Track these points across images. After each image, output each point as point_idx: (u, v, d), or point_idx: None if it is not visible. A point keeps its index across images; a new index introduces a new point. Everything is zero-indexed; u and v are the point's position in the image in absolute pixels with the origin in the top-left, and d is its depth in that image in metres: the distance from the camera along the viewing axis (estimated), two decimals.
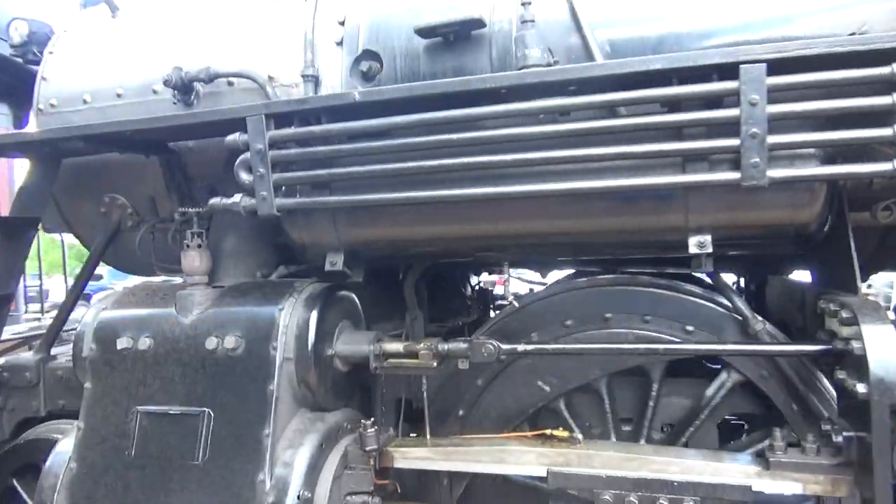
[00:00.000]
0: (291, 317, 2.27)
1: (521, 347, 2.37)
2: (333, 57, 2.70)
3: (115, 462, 2.29)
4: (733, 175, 1.80)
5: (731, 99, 1.80)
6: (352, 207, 2.19)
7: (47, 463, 2.40)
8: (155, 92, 2.95)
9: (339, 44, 2.70)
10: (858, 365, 1.81)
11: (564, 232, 2.13)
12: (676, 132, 1.90)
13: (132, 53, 3.09)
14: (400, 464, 2.24)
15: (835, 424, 1.98)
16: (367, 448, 2.21)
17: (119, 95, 3.01)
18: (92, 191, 3.19)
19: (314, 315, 2.29)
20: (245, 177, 2.19)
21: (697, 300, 2.27)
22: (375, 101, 2.11)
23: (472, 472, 2.24)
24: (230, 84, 2.83)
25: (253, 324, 2.28)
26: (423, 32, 2.46)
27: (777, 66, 1.75)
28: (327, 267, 2.33)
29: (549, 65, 2.23)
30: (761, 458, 1.99)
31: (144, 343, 2.36)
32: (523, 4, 2.30)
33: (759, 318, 2.18)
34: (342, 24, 2.65)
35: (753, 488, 1.94)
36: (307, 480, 2.13)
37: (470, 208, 2.15)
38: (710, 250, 1.91)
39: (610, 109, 1.96)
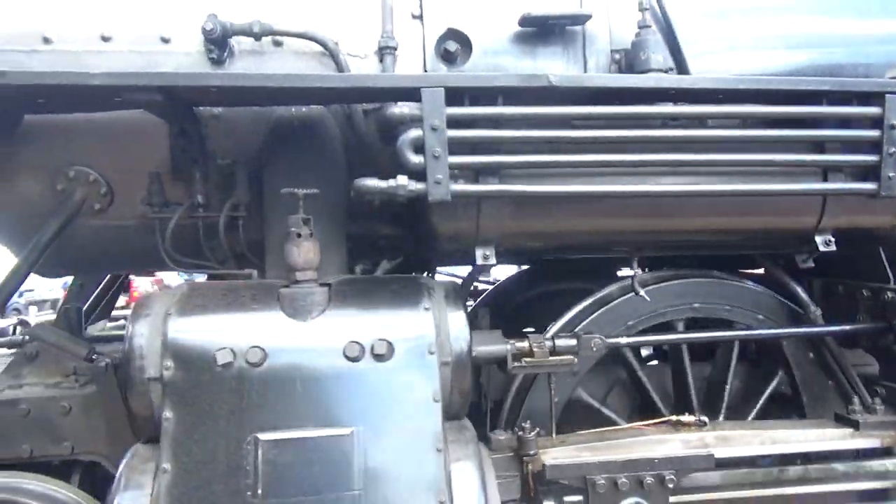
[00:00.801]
0: (440, 317, 2.05)
1: (623, 340, 2.50)
2: (411, 31, 2.50)
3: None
4: (872, 186, 2.18)
5: (867, 121, 2.19)
6: (520, 199, 2.07)
7: None
8: (165, 41, 2.37)
9: (419, 17, 2.51)
10: None
11: (712, 229, 2.32)
12: (817, 146, 2.23)
13: None
14: (551, 465, 2.18)
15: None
16: (530, 452, 2.11)
17: (106, 39, 2.35)
18: (43, 161, 2.42)
19: (463, 314, 2.09)
20: (413, 157, 1.92)
21: (767, 292, 2.65)
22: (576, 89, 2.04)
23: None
24: (277, 44, 2.43)
25: (402, 326, 2.00)
26: (527, 21, 2.43)
27: None
28: (479, 260, 2.14)
29: (667, 70, 2.41)
30: (847, 421, 2.43)
31: (254, 355, 1.90)
32: (642, 10, 2.44)
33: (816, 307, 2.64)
34: None
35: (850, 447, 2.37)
36: (483, 499, 1.96)
37: (629, 204, 2.21)
38: (834, 248, 2.28)
39: (764, 120, 2.21)
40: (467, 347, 2.06)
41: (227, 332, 1.95)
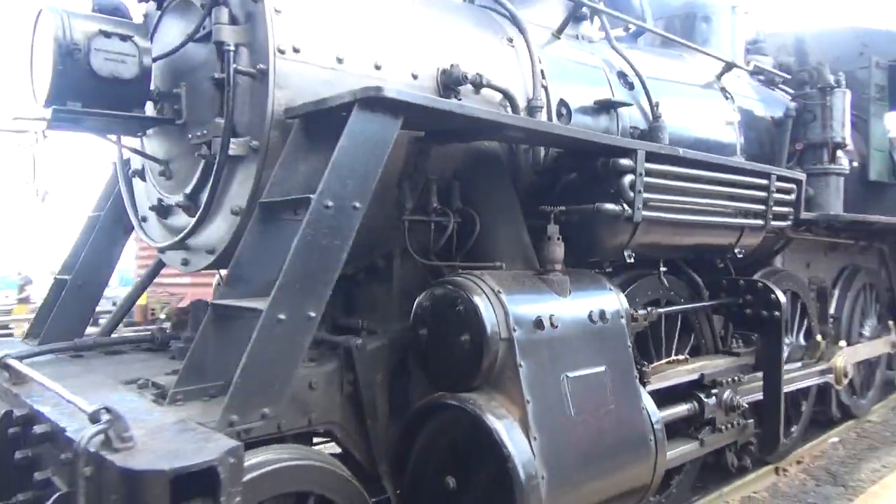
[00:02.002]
0: (619, 297, 3.26)
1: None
2: (542, 96, 3.62)
3: (561, 417, 2.73)
4: (762, 222, 4.16)
5: (762, 189, 4.16)
6: (651, 221, 3.42)
7: (504, 443, 2.51)
8: (414, 77, 3.04)
9: (545, 87, 3.65)
10: None
11: (695, 243, 4.00)
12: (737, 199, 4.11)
13: (383, 23, 2.98)
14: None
15: None
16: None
17: (378, 68, 2.91)
18: None
19: (623, 295, 3.33)
20: (628, 192, 3.12)
21: (680, 282, 4.47)
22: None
23: None
24: (476, 92, 3.30)
25: (605, 302, 3.15)
26: (597, 103, 3.84)
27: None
28: (628, 260, 3.40)
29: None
30: (731, 353, 4.41)
31: (556, 322, 2.83)
32: (653, 106, 4.05)
33: None
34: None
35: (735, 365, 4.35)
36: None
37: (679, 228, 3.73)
38: (742, 256, 4.22)
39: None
40: (628, 314, 3.33)
41: (533, 306, 2.84)
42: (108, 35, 2.71)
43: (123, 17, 3.06)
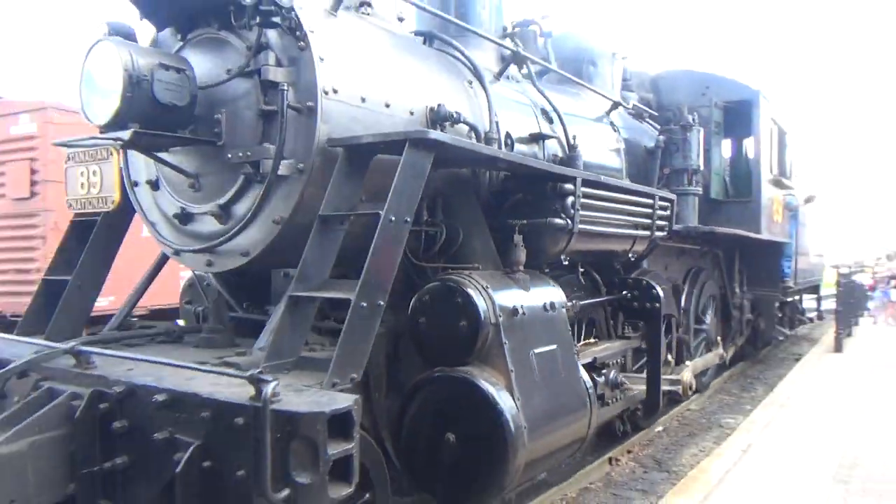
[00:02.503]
0: (560, 292, 4.17)
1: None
2: None
3: (533, 383, 3.58)
4: (648, 233, 5.30)
5: (649, 206, 5.31)
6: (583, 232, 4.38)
7: (498, 403, 3.30)
8: (411, 113, 3.78)
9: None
10: None
11: (606, 249, 5.02)
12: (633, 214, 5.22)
13: (386, 68, 3.67)
14: None
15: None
16: None
17: (387, 106, 3.62)
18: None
19: (559, 288, 4.25)
20: (570, 210, 4.04)
21: (583, 282, 5.52)
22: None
23: None
24: (452, 126, 4.07)
25: (553, 296, 4.05)
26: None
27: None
28: (564, 262, 4.32)
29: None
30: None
31: (524, 310, 3.68)
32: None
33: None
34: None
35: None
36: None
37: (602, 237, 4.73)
38: (633, 260, 5.32)
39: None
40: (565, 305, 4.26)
41: (510, 298, 3.67)
42: (166, 68, 3.18)
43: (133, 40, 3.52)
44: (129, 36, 3.56)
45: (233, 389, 2.54)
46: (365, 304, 2.77)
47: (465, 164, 3.93)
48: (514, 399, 3.44)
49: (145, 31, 3.86)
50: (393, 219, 2.90)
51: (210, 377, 2.74)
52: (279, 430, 2.27)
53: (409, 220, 3.00)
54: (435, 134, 3.06)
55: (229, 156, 3.37)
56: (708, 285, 8.37)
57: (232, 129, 3.38)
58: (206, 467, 2.48)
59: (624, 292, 5.63)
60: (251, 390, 2.39)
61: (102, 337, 3.69)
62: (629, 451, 6.24)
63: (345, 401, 2.38)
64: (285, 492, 2.26)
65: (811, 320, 15.11)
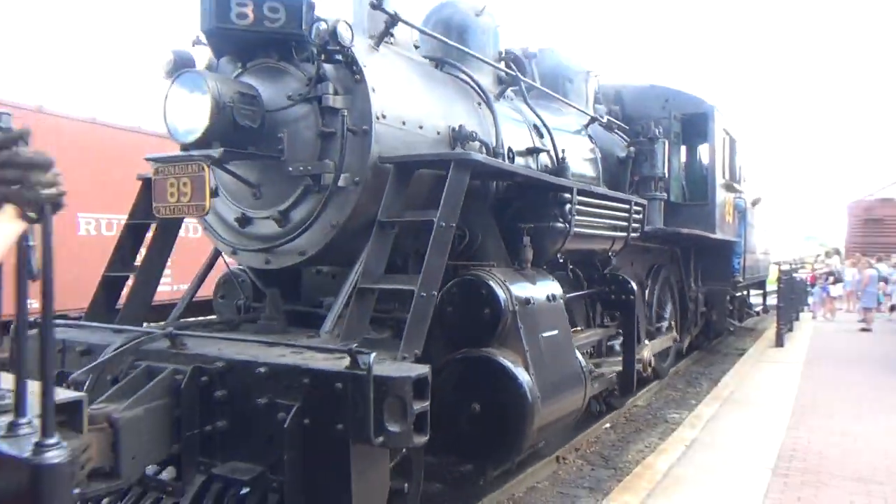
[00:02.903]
0: (558, 285, 4.92)
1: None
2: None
3: (542, 362, 4.31)
4: (624, 234, 6.10)
5: (625, 211, 6.12)
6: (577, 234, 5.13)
7: (518, 377, 4.01)
8: (438, 133, 4.48)
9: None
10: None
11: (588, 248, 5.79)
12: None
13: (416, 94, 4.35)
14: None
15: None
16: None
17: (421, 128, 4.30)
18: None
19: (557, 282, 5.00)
20: (567, 215, 4.79)
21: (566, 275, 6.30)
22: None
23: None
24: (468, 143, 4.79)
25: (554, 289, 4.80)
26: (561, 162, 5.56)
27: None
28: (560, 260, 5.05)
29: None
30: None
31: (532, 299, 4.41)
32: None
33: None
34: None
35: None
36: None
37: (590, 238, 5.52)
38: (613, 259, 6.12)
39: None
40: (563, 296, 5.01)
41: (523, 290, 4.39)
42: (243, 95, 3.79)
43: (191, 65, 4.11)
44: (189, 62, 4.17)
45: (324, 362, 3.20)
46: (424, 294, 3.46)
47: (490, 177, 4.66)
48: (529, 374, 4.18)
49: (201, 56, 4.46)
50: (443, 224, 3.60)
51: (299, 353, 3.38)
52: (377, 391, 2.94)
53: (453, 225, 3.70)
54: (476, 156, 3.79)
55: (290, 169, 3.99)
56: (668, 280, 9.31)
57: (293, 147, 4.00)
58: (306, 424, 3.13)
59: (603, 287, 6.46)
60: (345, 362, 3.05)
61: (178, 325, 4.26)
62: (577, 449, 6.46)
63: (421, 369, 3.06)
64: (380, 438, 2.94)
65: (758, 313, 16.40)
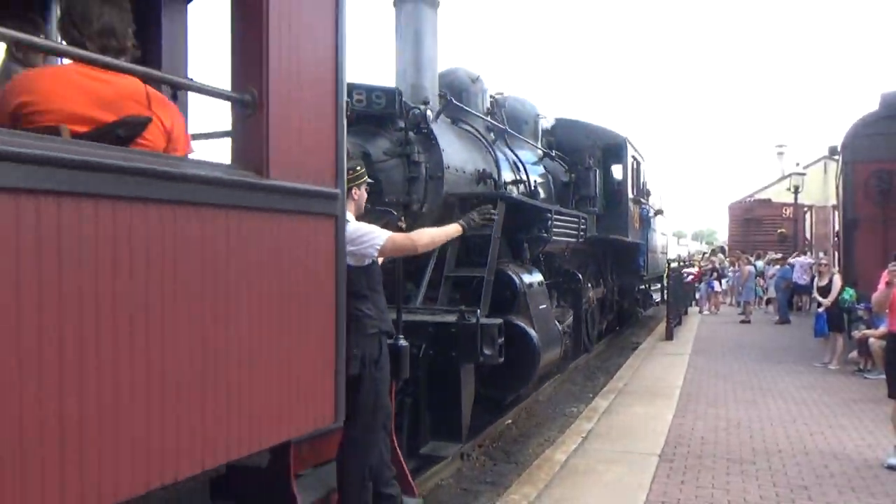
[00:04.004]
0: (540, 275, 7.48)
1: None
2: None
3: (540, 326, 6.84)
4: (576, 238, 8.77)
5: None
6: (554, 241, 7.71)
7: (531, 334, 6.51)
8: (470, 175, 6.96)
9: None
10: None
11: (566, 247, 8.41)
12: None
13: (458, 147, 6.80)
14: None
15: None
16: None
17: (464, 172, 6.77)
18: None
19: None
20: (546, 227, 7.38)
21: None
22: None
23: None
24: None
25: (539, 277, 7.36)
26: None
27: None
28: (540, 258, 7.61)
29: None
30: None
31: (534, 285, 6.94)
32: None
33: None
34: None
35: None
36: None
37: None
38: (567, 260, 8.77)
39: None
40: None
41: (527, 278, 6.93)
42: (364, 153, 6.10)
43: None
44: None
45: (439, 318, 5.59)
46: (490, 279, 5.92)
47: (513, 206, 7.20)
48: (536, 331, 6.72)
49: None
50: (497, 236, 6.09)
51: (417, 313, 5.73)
52: (481, 332, 5.37)
53: (498, 236, 6.17)
54: (512, 196, 6.32)
55: (387, 199, 6.33)
56: (593, 274, 12.19)
57: (388, 185, 6.34)
58: (430, 354, 5.50)
59: (558, 278, 9.14)
60: (453, 317, 5.46)
61: None
62: (480, 446, 6.76)
63: (497, 320, 5.54)
64: (481, 358, 5.36)
65: (657, 303, 19.80)
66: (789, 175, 26.92)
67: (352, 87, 6.09)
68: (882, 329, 7.99)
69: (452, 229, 4.30)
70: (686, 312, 19.15)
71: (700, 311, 21.38)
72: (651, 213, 15.16)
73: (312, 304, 2.74)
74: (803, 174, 25.14)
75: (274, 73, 2.52)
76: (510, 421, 7.67)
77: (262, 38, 2.49)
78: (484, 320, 5.45)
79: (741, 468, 5.67)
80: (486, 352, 5.36)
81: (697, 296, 22.76)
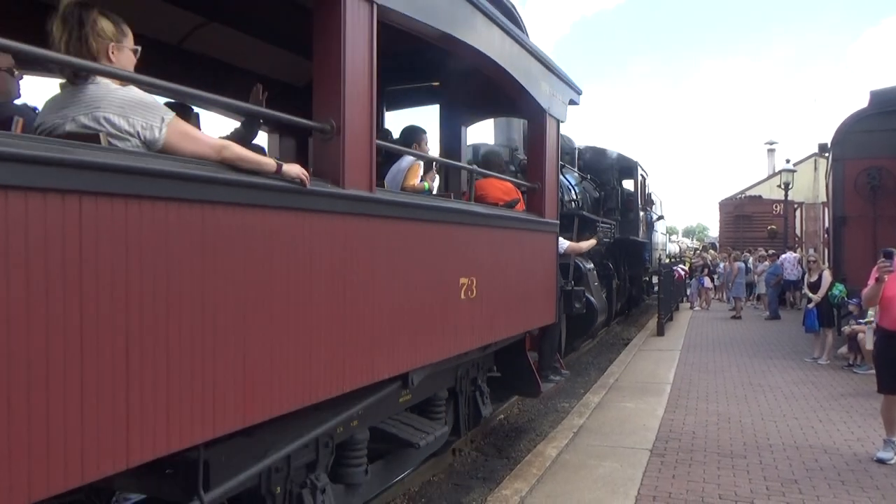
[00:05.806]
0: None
1: None
2: None
3: (593, 294, 11.17)
4: (608, 239, 13.13)
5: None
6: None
7: (592, 298, 10.82)
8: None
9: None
10: None
11: None
12: None
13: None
14: None
15: None
16: None
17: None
18: None
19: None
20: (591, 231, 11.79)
21: None
22: None
23: None
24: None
25: (591, 265, 11.70)
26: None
27: None
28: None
29: None
30: None
31: (590, 269, 11.30)
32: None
33: None
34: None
35: None
36: None
37: None
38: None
39: None
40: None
41: (586, 264, 11.25)
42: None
43: None
44: None
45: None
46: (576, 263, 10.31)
47: (580, 219, 11.47)
48: (594, 300, 11.05)
49: None
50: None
51: None
52: (574, 294, 9.68)
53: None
54: (583, 213, 10.76)
55: None
56: (615, 265, 16.58)
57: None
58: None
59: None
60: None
61: None
62: (472, 441, 6.59)
63: (580, 287, 9.89)
64: (572, 310, 9.66)
65: (657, 293, 23.87)
66: (780, 172, 27.38)
67: None
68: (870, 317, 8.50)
69: (594, 241, 8.89)
70: (677, 308, 19.97)
71: (691, 307, 22.39)
72: (654, 218, 19.87)
73: (547, 270, 6.94)
74: (794, 171, 25.47)
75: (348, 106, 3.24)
76: (503, 416, 7.95)
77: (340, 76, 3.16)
78: (575, 288, 9.72)
79: (732, 462, 5.76)
80: (576, 305, 9.57)
81: (688, 292, 23.67)
